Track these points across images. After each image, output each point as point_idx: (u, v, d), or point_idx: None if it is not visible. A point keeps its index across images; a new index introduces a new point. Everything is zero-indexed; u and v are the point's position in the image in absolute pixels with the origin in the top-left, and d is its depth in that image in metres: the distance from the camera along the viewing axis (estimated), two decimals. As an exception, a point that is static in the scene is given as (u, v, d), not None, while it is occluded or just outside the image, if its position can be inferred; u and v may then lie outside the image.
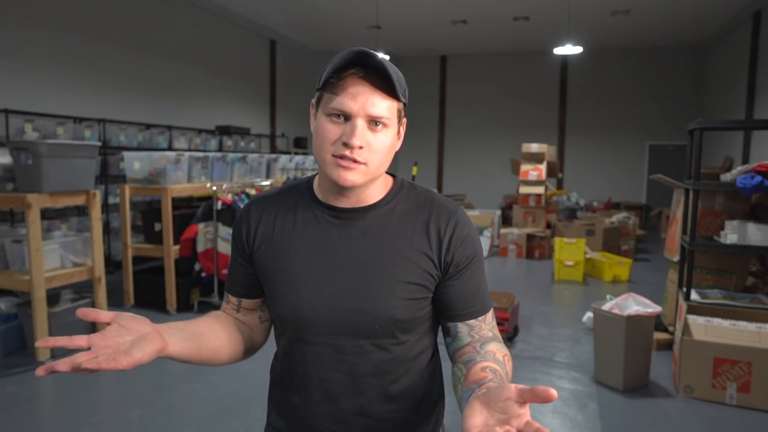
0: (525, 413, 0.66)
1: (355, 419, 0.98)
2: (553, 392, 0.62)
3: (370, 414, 0.98)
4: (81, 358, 0.73)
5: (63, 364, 0.72)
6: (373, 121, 0.90)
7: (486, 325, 1.01)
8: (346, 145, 0.89)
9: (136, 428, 2.73)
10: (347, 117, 0.90)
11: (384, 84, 0.90)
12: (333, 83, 0.91)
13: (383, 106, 0.90)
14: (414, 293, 0.96)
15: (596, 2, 8.52)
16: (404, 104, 0.96)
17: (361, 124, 0.89)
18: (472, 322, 1.00)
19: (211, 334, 0.97)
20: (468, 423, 0.68)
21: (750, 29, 8.55)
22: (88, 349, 0.75)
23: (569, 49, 8.78)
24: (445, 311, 1.01)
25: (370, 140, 0.91)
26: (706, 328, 3.15)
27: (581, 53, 11.44)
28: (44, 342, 0.74)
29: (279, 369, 1.06)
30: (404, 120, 1.00)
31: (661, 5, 8.58)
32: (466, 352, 0.96)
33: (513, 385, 0.68)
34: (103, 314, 0.80)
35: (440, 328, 1.06)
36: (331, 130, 0.91)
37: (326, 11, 9.21)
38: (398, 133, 0.98)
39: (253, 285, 1.05)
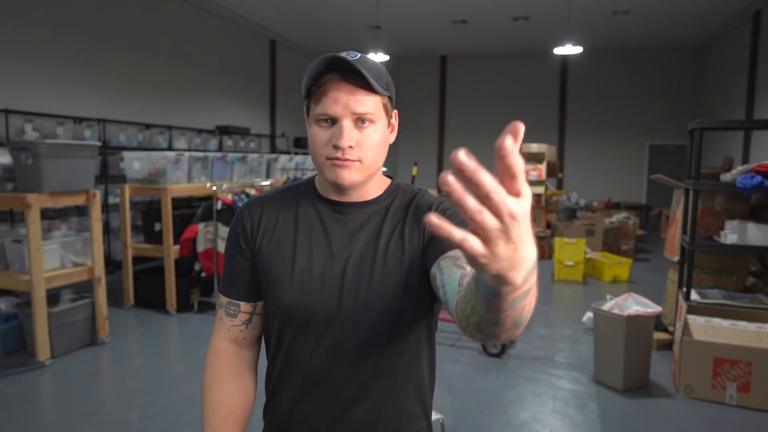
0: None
1: (354, 411, 1.00)
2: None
3: (369, 406, 1.00)
4: None
5: None
6: (359, 119, 0.94)
7: None
8: (336, 147, 0.93)
9: (136, 428, 2.73)
10: (333, 120, 0.94)
11: (362, 82, 0.93)
12: (314, 91, 0.95)
13: (365, 103, 0.93)
14: (411, 282, 0.98)
15: (596, 2, 8.52)
16: (389, 97, 0.98)
17: (347, 124, 0.93)
18: (452, 252, 0.87)
19: (237, 408, 1.04)
20: None
21: (750, 29, 8.55)
22: None
23: (569, 49, 8.78)
24: (428, 259, 0.95)
25: (359, 138, 0.94)
26: (706, 328, 3.15)
27: (581, 53, 11.43)
28: None
29: (274, 365, 1.07)
30: (395, 111, 1.02)
31: (661, 5, 8.58)
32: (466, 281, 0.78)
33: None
34: None
35: (437, 301, 0.99)
36: (321, 135, 0.95)
37: (326, 11, 9.21)
38: (390, 125, 1.01)
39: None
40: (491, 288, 0.56)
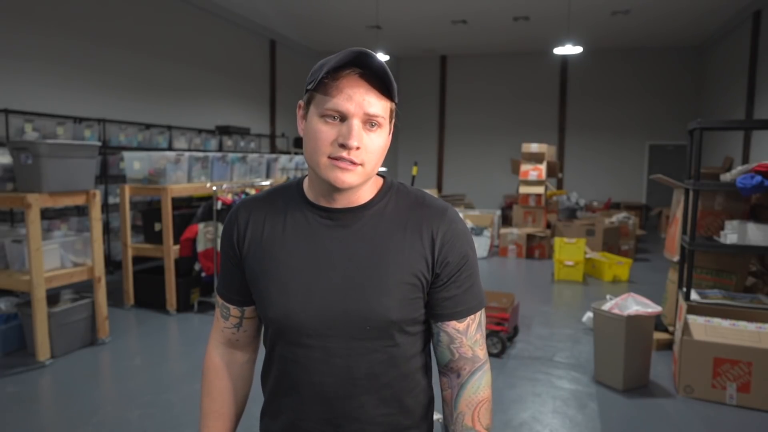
0: None
1: (347, 423, 0.97)
2: None
3: (362, 418, 0.97)
4: None
5: None
6: (369, 122, 0.90)
7: (468, 339, 1.00)
8: (344, 146, 0.88)
9: (136, 428, 2.73)
10: (343, 117, 0.89)
11: (379, 84, 0.90)
12: (327, 84, 0.89)
13: (378, 105, 0.90)
14: (406, 293, 0.95)
15: (596, 2, 8.52)
16: (396, 104, 0.96)
17: (357, 124, 0.89)
18: (452, 330, 1.00)
19: (226, 409, 1.10)
20: None
21: (750, 29, 8.55)
22: None
23: (569, 49, 8.78)
24: (432, 311, 1.00)
25: (365, 141, 0.90)
26: (706, 328, 3.15)
27: (581, 53, 11.43)
28: None
29: (269, 372, 1.05)
30: (393, 120, 0.99)
31: (661, 5, 8.58)
32: (446, 398, 1.04)
33: None
34: None
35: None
36: (327, 131, 0.89)
37: (326, 11, 9.21)
38: (389, 133, 0.98)
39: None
40: None
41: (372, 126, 0.90)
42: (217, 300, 1.10)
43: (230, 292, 1.06)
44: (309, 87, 0.92)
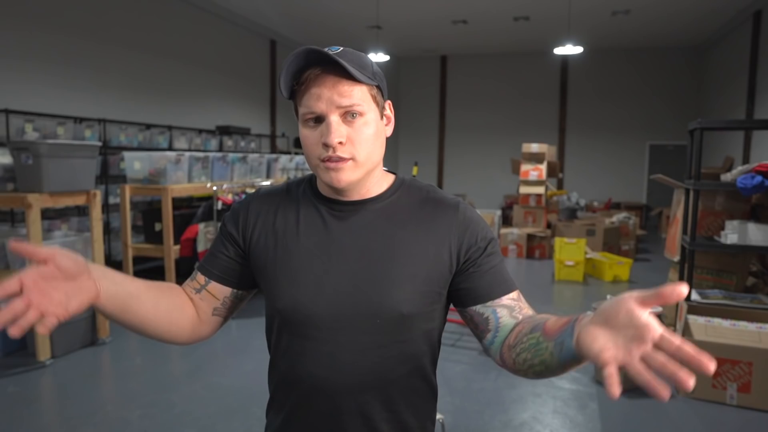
0: (652, 324, 0.60)
1: (352, 419, 0.96)
2: (682, 290, 0.58)
3: (368, 414, 0.96)
4: (15, 312, 0.74)
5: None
6: (347, 113, 0.89)
7: (523, 304, 0.97)
8: (326, 145, 0.88)
9: (136, 428, 2.73)
10: (320, 118, 0.89)
11: (344, 73, 0.87)
12: (297, 90, 0.91)
13: (351, 95, 0.88)
14: (419, 287, 0.94)
15: (596, 2, 8.52)
16: (378, 87, 0.94)
17: (335, 120, 0.88)
18: (509, 302, 0.95)
19: (147, 302, 0.91)
20: (595, 346, 0.64)
21: (750, 29, 8.55)
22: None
23: (569, 49, 8.78)
24: (478, 294, 0.96)
25: (350, 134, 0.89)
26: (707, 328, 3.15)
27: (581, 53, 11.43)
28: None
29: (275, 367, 1.03)
30: (388, 102, 0.98)
31: (662, 5, 8.58)
32: (521, 329, 0.90)
33: (630, 294, 0.62)
34: (38, 251, 0.80)
35: (472, 329, 1.00)
36: (310, 136, 0.91)
37: (326, 11, 9.21)
38: (383, 117, 0.96)
39: (230, 273, 1.02)
40: (575, 357, 0.72)
41: (353, 117, 0.89)
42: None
43: (208, 264, 1.03)
44: (287, 98, 0.94)
